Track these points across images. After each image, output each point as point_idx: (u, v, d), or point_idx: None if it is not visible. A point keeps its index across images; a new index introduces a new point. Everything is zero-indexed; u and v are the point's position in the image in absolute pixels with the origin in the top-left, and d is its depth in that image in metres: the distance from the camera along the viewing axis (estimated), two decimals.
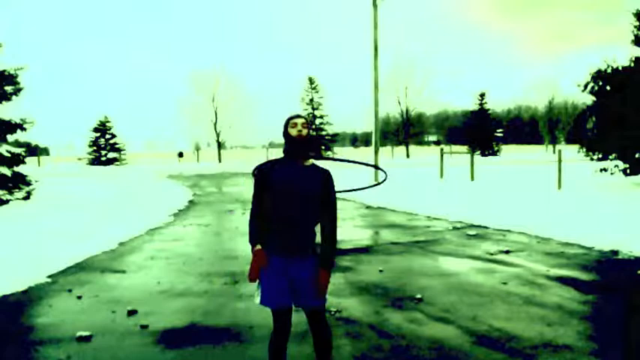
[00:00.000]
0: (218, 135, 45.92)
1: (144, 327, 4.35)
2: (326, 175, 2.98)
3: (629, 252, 6.89)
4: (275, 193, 2.83)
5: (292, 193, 2.82)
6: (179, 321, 4.51)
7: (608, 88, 16.08)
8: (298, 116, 2.93)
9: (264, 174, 2.88)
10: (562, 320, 4.37)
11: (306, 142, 2.88)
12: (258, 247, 2.86)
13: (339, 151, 53.16)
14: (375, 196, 14.27)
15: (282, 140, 3.02)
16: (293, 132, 2.87)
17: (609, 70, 15.90)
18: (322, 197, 2.96)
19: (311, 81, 49.62)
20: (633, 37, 15.91)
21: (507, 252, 7.10)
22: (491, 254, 7.01)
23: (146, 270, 6.46)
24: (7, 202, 12.98)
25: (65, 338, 4.12)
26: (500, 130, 53.99)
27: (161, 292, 5.43)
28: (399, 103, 51.60)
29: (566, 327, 4.21)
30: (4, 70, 13.64)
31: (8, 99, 13.87)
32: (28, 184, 13.83)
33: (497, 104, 71.42)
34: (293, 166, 2.88)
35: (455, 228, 9.21)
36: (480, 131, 52.32)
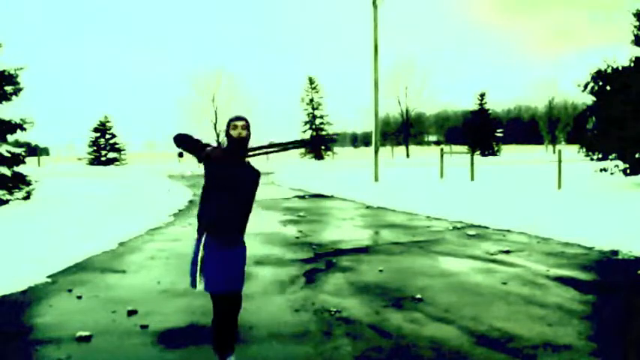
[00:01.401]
0: (218, 135, 45.92)
1: (144, 327, 4.35)
2: (257, 175, 3.22)
3: (629, 252, 6.89)
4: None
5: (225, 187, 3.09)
6: (179, 321, 4.51)
7: (608, 88, 16.08)
8: (238, 118, 3.16)
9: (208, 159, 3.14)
10: (562, 320, 4.37)
11: (245, 143, 3.13)
12: None
13: (339, 151, 53.17)
14: (375, 196, 14.27)
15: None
16: (234, 133, 3.10)
17: (609, 70, 15.90)
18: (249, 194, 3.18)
19: (311, 81, 49.62)
20: (633, 37, 15.91)
21: (507, 252, 7.10)
22: (491, 254, 7.01)
23: (146, 270, 6.46)
24: (7, 202, 12.98)
25: (65, 338, 4.12)
26: (500, 130, 53.98)
27: (161, 292, 5.43)
28: (399, 103, 51.72)
29: (566, 327, 4.21)
30: (4, 70, 13.63)
31: (8, 99, 13.87)
32: (28, 184, 13.83)
33: (497, 104, 71.34)
34: (231, 162, 3.12)
35: (455, 228, 9.21)
36: (479, 131, 52.32)
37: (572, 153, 22.32)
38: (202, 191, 3.19)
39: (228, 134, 3.13)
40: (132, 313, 4.71)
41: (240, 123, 3.10)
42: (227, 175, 3.08)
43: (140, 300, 5.12)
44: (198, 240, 3.17)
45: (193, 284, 3.20)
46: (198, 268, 3.13)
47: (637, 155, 15.14)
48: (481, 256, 6.89)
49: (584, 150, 16.63)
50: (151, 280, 5.91)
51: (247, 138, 3.11)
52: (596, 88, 16.33)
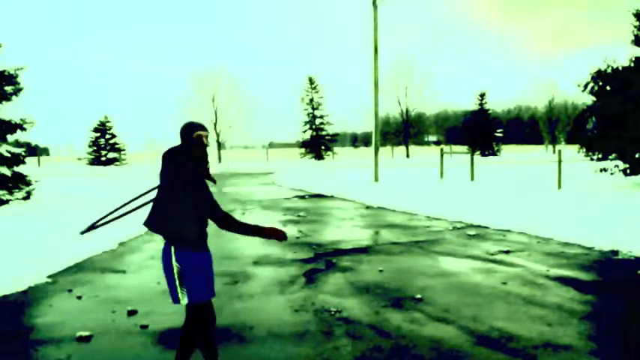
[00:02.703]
0: (218, 135, 45.94)
1: (144, 327, 4.35)
2: None
3: (629, 252, 6.89)
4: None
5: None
6: (179, 321, 4.50)
7: (608, 88, 16.09)
8: (205, 127, 3.12)
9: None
10: (562, 320, 4.37)
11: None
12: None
13: (339, 151, 53.13)
14: (375, 196, 14.28)
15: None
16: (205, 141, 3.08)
17: (609, 70, 15.91)
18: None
19: (311, 81, 49.55)
20: (633, 37, 15.92)
21: (507, 252, 7.10)
22: (492, 254, 7.01)
23: (146, 270, 6.46)
24: (7, 202, 12.98)
25: (65, 338, 4.13)
26: (500, 130, 53.97)
27: (161, 292, 5.42)
28: (399, 103, 51.67)
29: (566, 327, 4.21)
30: (4, 70, 13.64)
31: (8, 99, 13.88)
32: (28, 184, 13.84)
33: (497, 104, 71.38)
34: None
35: (455, 228, 9.22)
36: (479, 131, 52.31)
37: (572, 153, 22.34)
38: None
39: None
40: (132, 313, 4.71)
41: (207, 133, 3.11)
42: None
43: (140, 300, 5.12)
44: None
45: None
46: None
47: (637, 155, 15.15)
48: (481, 256, 6.89)
49: (584, 150, 16.63)
50: (150, 280, 5.91)
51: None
52: (596, 88, 16.33)
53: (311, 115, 49.32)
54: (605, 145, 15.70)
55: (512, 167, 28.44)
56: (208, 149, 3.12)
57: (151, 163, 43.54)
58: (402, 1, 53.16)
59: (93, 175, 29.09)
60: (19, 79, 13.93)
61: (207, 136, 3.09)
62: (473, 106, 55.10)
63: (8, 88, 13.80)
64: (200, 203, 3.03)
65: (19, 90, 14.01)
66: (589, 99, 17.37)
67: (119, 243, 8.12)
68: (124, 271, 6.38)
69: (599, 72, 16.06)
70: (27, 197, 13.68)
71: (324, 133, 49.31)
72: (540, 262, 6.46)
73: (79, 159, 42.91)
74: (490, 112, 54.75)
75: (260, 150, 55.44)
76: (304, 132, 49.37)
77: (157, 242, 8.33)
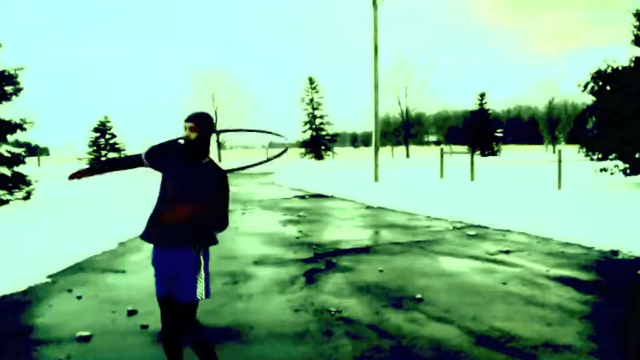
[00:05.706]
0: (218, 135, 45.96)
1: (144, 327, 4.34)
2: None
3: (629, 252, 6.89)
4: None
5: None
6: None
7: (608, 88, 16.11)
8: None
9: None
10: (562, 320, 4.37)
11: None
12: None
13: (339, 151, 53.15)
14: (375, 196, 14.28)
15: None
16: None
17: (609, 70, 15.93)
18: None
19: (311, 81, 49.59)
20: (633, 37, 15.94)
21: (507, 252, 7.10)
22: (492, 254, 7.01)
23: (146, 270, 6.45)
24: (7, 202, 12.98)
25: (65, 338, 4.12)
26: (500, 130, 54.04)
27: None
28: (399, 103, 51.72)
29: (566, 327, 4.21)
30: (4, 70, 13.63)
31: (8, 99, 13.86)
32: (28, 184, 13.82)
33: (497, 104, 71.29)
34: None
35: (455, 228, 9.22)
36: (479, 131, 52.37)
37: (572, 153, 22.35)
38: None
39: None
40: (132, 313, 4.71)
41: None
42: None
43: (140, 300, 5.11)
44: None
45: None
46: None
47: (637, 155, 15.15)
48: (481, 256, 6.90)
49: (584, 150, 16.65)
50: (150, 280, 5.86)
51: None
52: (596, 88, 16.36)
53: (311, 115, 49.36)
54: (605, 145, 15.71)
55: (512, 167, 28.44)
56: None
57: None
58: (402, 1, 53.12)
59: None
60: (19, 79, 13.91)
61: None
62: (473, 106, 55.18)
63: (8, 88, 13.77)
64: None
65: (19, 90, 13.98)
66: (589, 99, 17.42)
67: (119, 243, 8.12)
68: (124, 271, 6.38)
69: (599, 72, 16.08)
70: (27, 197, 13.67)
71: (324, 133, 49.36)
72: (540, 262, 6.46)
73: (79, 159, 42.82)
74: (490, 112, 54.83)
75: (260, 150, 55.46)
76: (304, 132, 49.42)
77: None
